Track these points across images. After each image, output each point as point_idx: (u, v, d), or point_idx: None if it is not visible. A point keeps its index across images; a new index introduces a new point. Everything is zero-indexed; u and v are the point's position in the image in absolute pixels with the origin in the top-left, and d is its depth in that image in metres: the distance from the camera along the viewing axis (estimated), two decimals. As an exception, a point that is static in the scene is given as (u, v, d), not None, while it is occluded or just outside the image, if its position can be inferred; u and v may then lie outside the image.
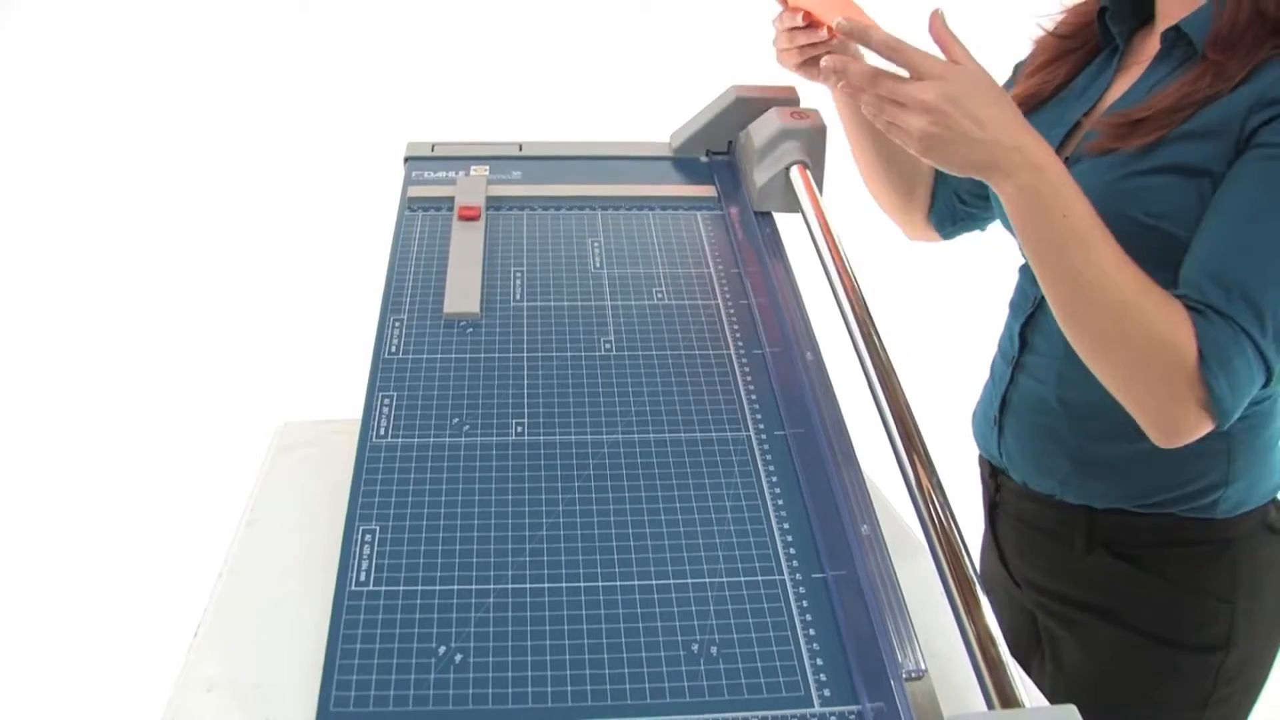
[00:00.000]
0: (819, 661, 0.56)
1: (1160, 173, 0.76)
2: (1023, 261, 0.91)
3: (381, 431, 0.67)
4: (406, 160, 0.92)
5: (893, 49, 0.71)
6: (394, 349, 0.73)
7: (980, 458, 1.01)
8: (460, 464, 0.65)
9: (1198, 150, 0.74)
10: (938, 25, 0.72)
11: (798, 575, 0.60)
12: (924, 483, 0.56)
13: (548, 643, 0.55)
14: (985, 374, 1.00)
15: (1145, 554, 0.87)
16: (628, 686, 0.54)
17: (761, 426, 0.69)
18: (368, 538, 0.61)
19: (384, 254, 0.81)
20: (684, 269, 0.81)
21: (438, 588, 0.58)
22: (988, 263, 1.17)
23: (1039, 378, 0.90)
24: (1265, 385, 0.71)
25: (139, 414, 2.26)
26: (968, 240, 1.09)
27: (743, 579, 0.59)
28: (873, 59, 0.75)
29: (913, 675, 0.54)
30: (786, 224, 0.84)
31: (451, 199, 0.86)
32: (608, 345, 0.74)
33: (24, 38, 2.46)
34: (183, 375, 2.29)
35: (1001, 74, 1.01)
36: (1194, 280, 0.71)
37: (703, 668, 0.55)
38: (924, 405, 0.64)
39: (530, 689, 0.53)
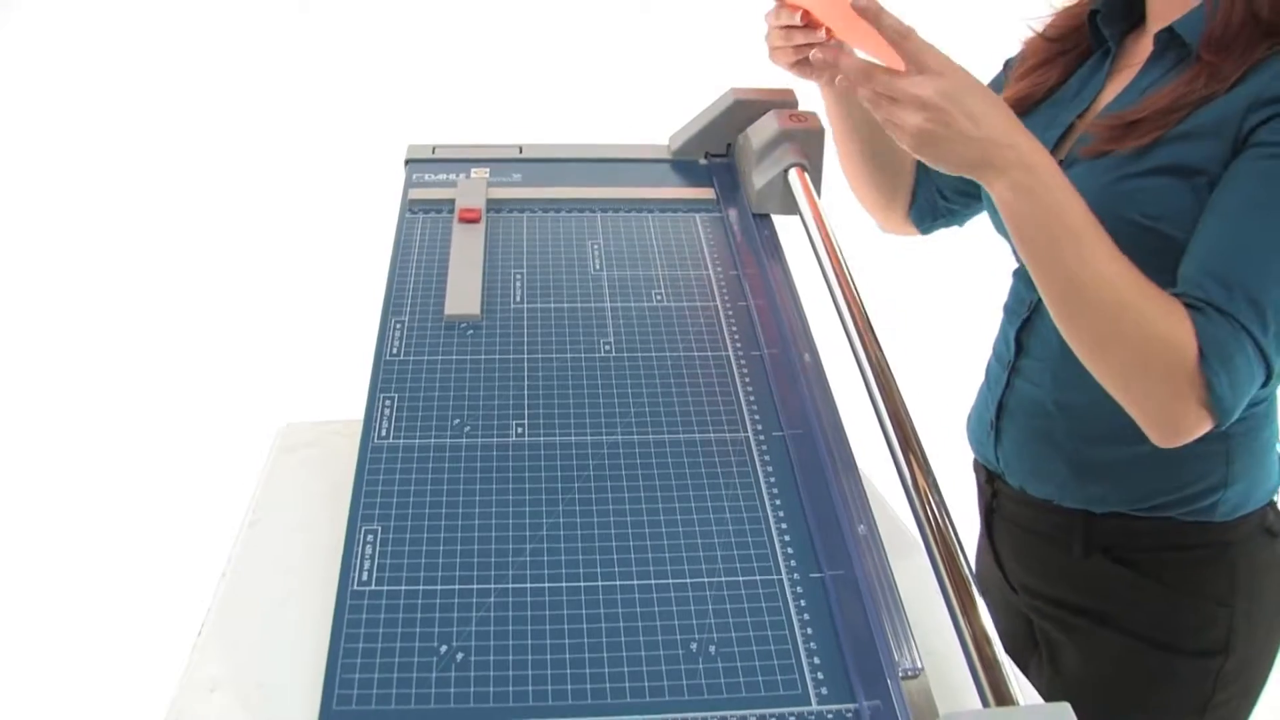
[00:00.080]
0: (816, 660, 0.56)
1: (1156, 174, 0.76)
2: (1017, 265, 0.91)
3: (383, 433, 0.67)
4: (407, 163, 0.92)
5: (901, 35, 0.70)
6: (395, 351, 0.73)
7: (976, 463, 1.01)
8: (461, 465, 0.65)
9: (1194, 151, 0.74)
10: (863, 3, 0.70)
11: (795, 575, 0.60)
12: (920, 483, 0.56)
13: (548, 641, 0.56)
14: (979, 377, 1.00)
15: (1143, 558, 0.87)
16: (627, 685, 0.54)
17: (760, 427, 0.69)
18: (370, 538, 0.61)
19: (385, 256, 0.81)
20: (683, 271, 0.82)
21: (439, 587, 0.58)
22: (982, 266, 1.17)
23: (1035, 382, 0.89)
24: (1265, 384, 0.71)
25: (142, 416, 2.26)
26: (964, 243, 1.09)
27: (741, 578, 0.60)
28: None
29: (909, 674, 0.55)
30: (785, 226, 0.85)
31: (452, 201, 0.86)
32: (607, 347, 0.75)
33: (24, 38, 2.47)
34: (186, 377, 2.30)
35: (990, 70, 1.01)
36: (1194, 278, 0.71)
37: (701, 666, 0.55)
38: (920, 406, 0.65)
39: (531, 687, 0.54)
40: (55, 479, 2.16)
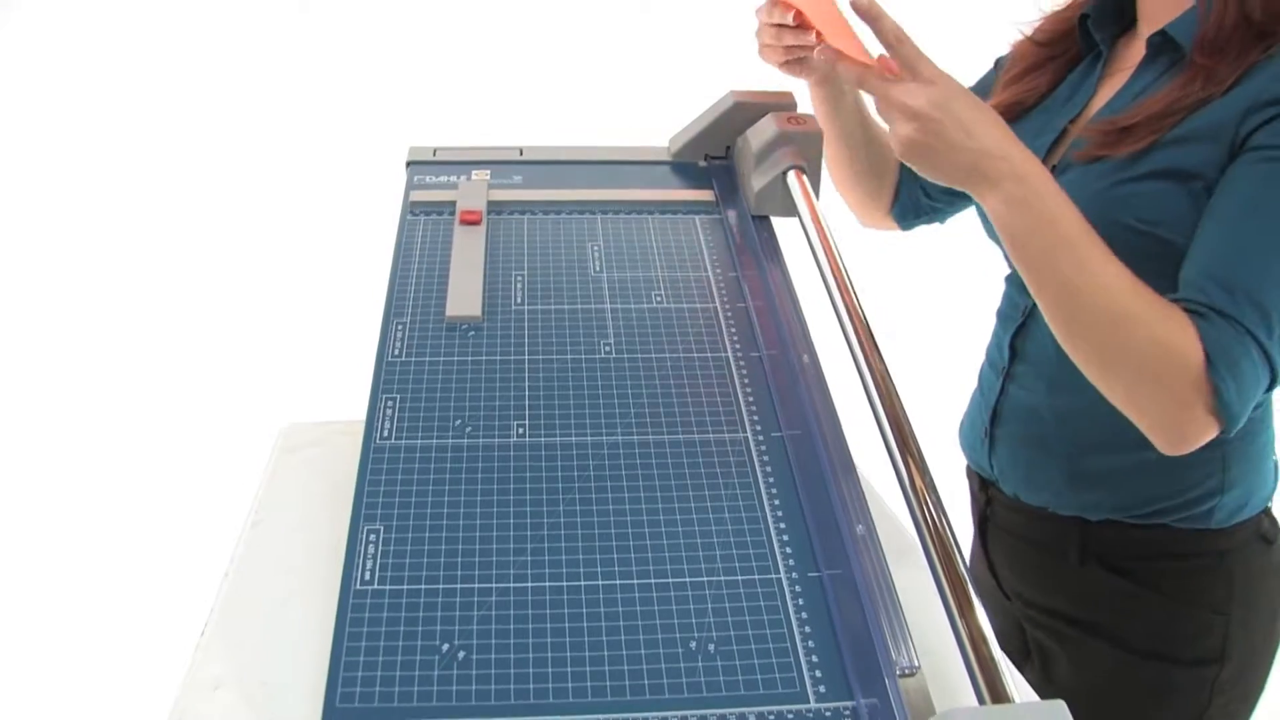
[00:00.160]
0: (814, 658, 0.57)
1: (1152, 178, 0.75)
2: (1010, 271, 0.91)
3: (385, 433, 0.68)
4: (408, 165, 0.93)
5: (898, 40, 0.69)
6: (397, 352, 0.74)
7: (969, 470, 1.00)
8: (463, 465, 0.66)
9: (1190, 155, 0.74)
10: (864, 3, 0.70)
11: (794, 574, 0.61)
12: (917, 483, 0.57)
13: (549, 640, 0.56)
14: (972, 384, 0.99)
15: (1139, 567, 0.86)
16: (627, 683, 0.55)
17: (759, 428, 0.70)
18: (372, 537, 0.62)
19: (386, 258, 0.82)
20: (682, 273, 0.82)
21: (441, 586, 0.59)
22: (975, 271, 1.17)
23: (1030, 388, 0.89)
24: (1270, 388, 0.70)
25: (146, 416, 2.27)
26: (956, 247, 1.10)
27: (740, 578, 0.60)
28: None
29: (906, 672, 0.55)
30: (783, 228, 0.85)
31: (453, 203, 0.87)
32: (607, 348, 0.75)
33: (24, 38, 2.47)
34: (189, 378, 2.31)
35: (979, 70, 1.02)
36: (1195, 282, 0.70)
37: (700, 664, 0.56)
38: (917, 407, 0.65)
39: (532, 685, 0.54)
40: (59, 479, 2.17)
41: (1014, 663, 0.97)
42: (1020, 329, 0.89)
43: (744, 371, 0.74)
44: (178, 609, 1.14)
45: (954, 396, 1.04)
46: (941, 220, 1.06)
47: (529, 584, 0.59)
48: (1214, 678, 0.85)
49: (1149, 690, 0.87)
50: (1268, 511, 0.87)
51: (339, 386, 1.08)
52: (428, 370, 0.72)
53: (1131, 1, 0.85)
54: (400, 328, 0.75)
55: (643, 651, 0.56)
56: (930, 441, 0.59)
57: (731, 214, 0.88)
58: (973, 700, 0.49)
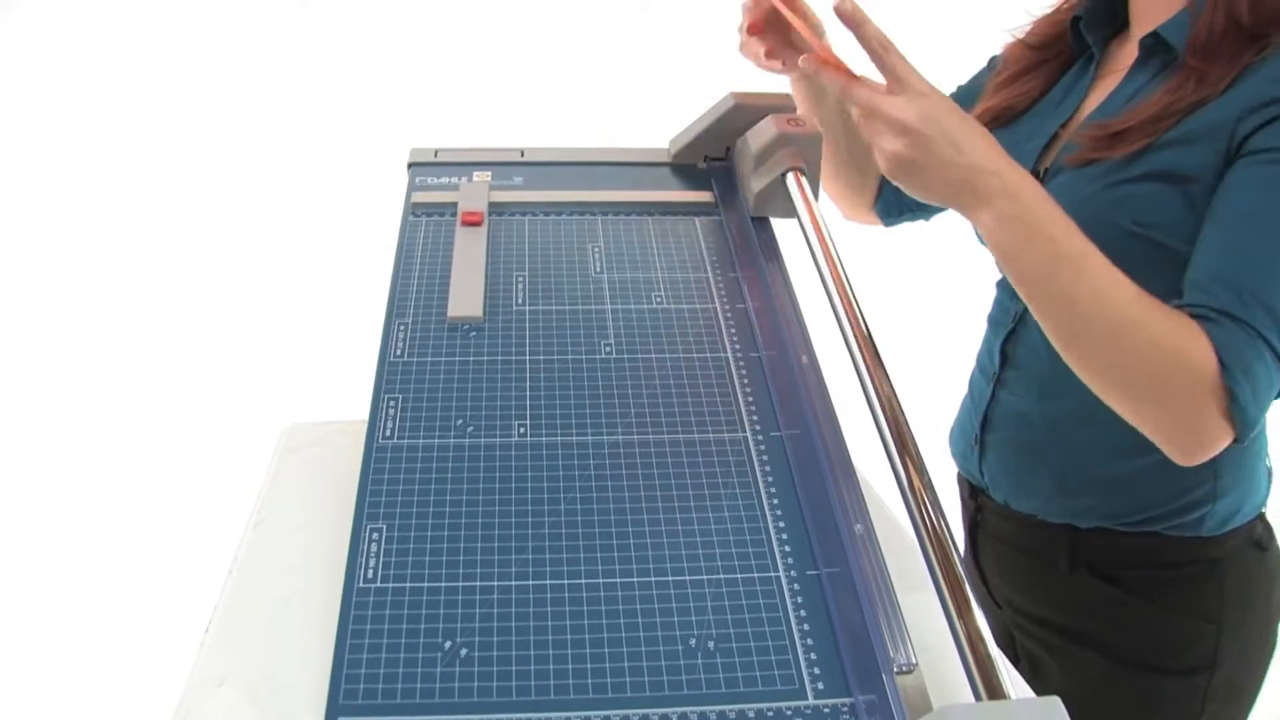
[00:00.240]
0: (813, 655, 0.57)
1: (1146, 180, 0.75)
2: (1001, 275, 0.90)
3: (387, 433, 0.68)
4: (410, 167, 0.93)
5: (882, 48, 0.67)
6: (399, 352, 0.74)
7: (960, 477, 0.99)
8: (464, 464, 0.66)
9: (1185, 157, 0.73)
10: (847, 9, 0.66)
11: (793, 572, 0.61)
12: (915, 483, 0.57)
13: (550, 637, 0.57)
14: (962, 389, 0.99)
15: (1129, 575, 0.85)
16: (628, 679, 0.55)
17: (758, 428, 0.70)
18: (375, 536, 0.62)
19: (388, 259, 0.82)
20: (682, 274, 0.83)
21: (443, 584, 0.59)
22: (965, 276, 1.17)
23: (1020, 394, 0.88)
24: None
25: (150, 417, 2.27)
26: (947, 251, 1.10)
27: (739, 575, 0.61)
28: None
29: (903, 669, 0.56)
30: (782, 229, 0.86)
31: (454, 205, 0.87)
32: (608, 348, 0.75)
33: (24, 38, 2.47)
34: (192, 378, 2.31)
35: (968, 74, 1.02)
36: (1203, 285, 0.68)
37: (700, 661, 0.56)
38: (915, 408, 0.65)
39: (533, 681, 0.55)
40: (65, 479, 2.17)
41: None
42: (1011, 334, 0.89)
43: (743, 372, 0.74)
44: (182, 607, 1.14)
45: (945, 403, 1.03)
46: (926, 218, 1.05)
47: (530, 582, 0.60)
48: (1205, 685, 0.84)
49: (1140, 700, 0.86)
50: (1261, 517, 0.86)
51: (341, 387, 1.08)
52: (429, 370, 0.73)
53: (1124, 3, 0.84)
54: (402, 328, 0.76)
55: (643, 648, 0.57)
56: (922, 448, 0.59)
57: (731, 215, 0.88)
58: (969, 697, 0.49)
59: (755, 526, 0.64)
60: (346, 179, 2.31)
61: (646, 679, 0.55)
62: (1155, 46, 0.78)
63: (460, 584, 0.59)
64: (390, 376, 0.72)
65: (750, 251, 0.84)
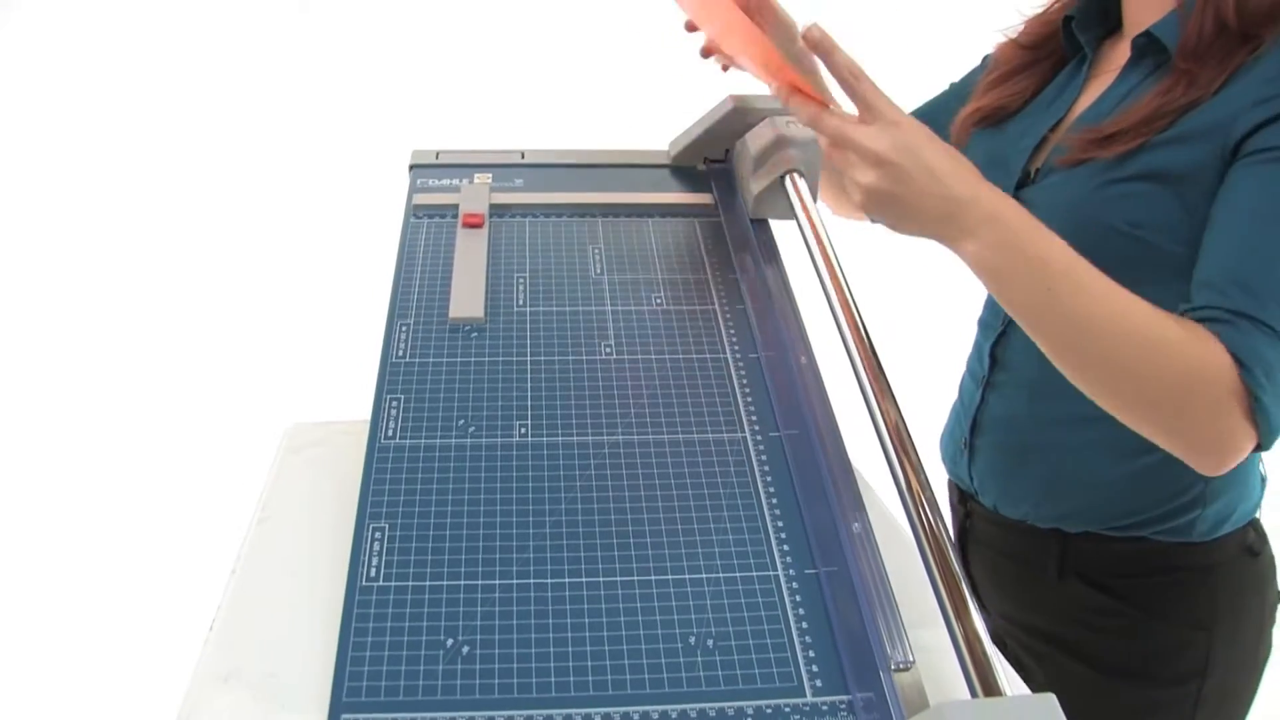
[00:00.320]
0: (811, 653, 0.58)
1: (1138, 180, 0.74)
2: None
3: (390, 433, 0.69)
4: (411, 168, 0.94)
5: (854, 76, 0.64)
6: (401, 353, 0.75)
7: (949, 482, 0.99)
8: (466, 464, 0.67)
9: (1178, 157, 0.72)
10: (815, 35, 0.63)
11: (791, 571, 0.62)
12: (913, 482, 0.58)
13: (550, 635, 0.57)
14: (952, 394, 0.98)
15: (1119, 582, 0.84)
16: (627, 677, 0.56)
17: (757, 428, 0.71)
18: (377, 535, 0.63)
19: (390, 260, 0.83)
20: (682, 275, 0.83)
21: (445, 583, 0.60)
22: (955, 278, 1.17)
23: (1010, 398, 0.87)
24: None
25: (154, 417, 2.28)
26: (937, 253, 1.09)
27: (738, 574, 0.61)
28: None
29: (901, 666, 0.56)
30: (781, 231, 0.86)
31: (456, 206, 0.87)
32: (608, 349, 0.76)
33: (24, 38, 2.48)
34: (196, 379, 2.32)
35: (960, 72, 1.02)
36: (1218, 286, 0.66)
37: (699, 659, 0.57)
38: (913, 408, 0.66)
39: (534, 679, 0.55)
40: (70, 479, 2.18)
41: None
42: (1000, 337, 0.88)
43: (742, 372, 0.75)
44: (186, 605, 1.15)
45: (938, 408, 1.03)
46: None
47: (531, 580, 0.60)
48: (1197, 693, 0.83)
49: (1130, 709, 0.85)
50: (1254, 523, 0.85)
51: (343, 387, 1.09)
52: (431, 371, 0.73)
53: (1116, 3, 0.84)
54: (404, 329, 0.76)
55: (643, 646, 0.57)
56: (927, 436, 0.59)
57: (730, 217, 0.89)
58: (966, 695, 0.50)
59: (754, 526, 0.64)
60: (348, 181, 2.32)
61: (646, 676, 0.56)
62: (1148, 46, 0.78)
63: (461, 582, 0.60)
64: (392, 377, 0.73)
65: (749, 253, 0.84)
